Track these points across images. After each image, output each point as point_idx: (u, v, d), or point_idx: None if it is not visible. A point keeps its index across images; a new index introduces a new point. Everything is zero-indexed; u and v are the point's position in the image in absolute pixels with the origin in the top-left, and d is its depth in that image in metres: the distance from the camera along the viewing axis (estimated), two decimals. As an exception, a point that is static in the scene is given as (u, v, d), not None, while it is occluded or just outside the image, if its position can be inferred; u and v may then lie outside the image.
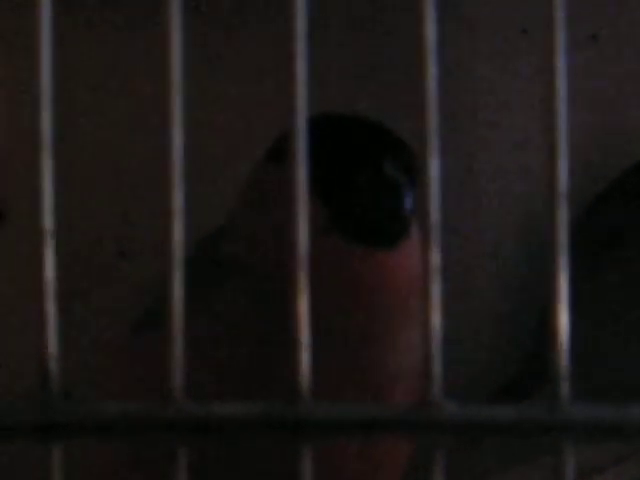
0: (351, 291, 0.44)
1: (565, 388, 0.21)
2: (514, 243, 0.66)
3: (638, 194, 0.61)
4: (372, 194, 0.45)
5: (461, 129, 0.63)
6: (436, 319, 0.21)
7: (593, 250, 0.56)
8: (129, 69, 0.68)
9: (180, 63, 0.22)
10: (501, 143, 0.65)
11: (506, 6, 0.69)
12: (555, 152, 0.21)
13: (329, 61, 0.60)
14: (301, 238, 0.22)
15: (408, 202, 0.44)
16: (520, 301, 0.63)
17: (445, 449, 0.21)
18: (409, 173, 0.43)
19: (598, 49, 0.65)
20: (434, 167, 0.20)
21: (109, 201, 0.66)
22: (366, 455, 0.46)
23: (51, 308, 0.21)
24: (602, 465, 0.56)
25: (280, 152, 0.44)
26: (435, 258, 0.21)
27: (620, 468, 0.56)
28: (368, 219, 0.45)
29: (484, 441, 0.53)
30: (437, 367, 0.21)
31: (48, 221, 0.22)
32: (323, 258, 0.41)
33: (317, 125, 0.37)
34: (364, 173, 0.44)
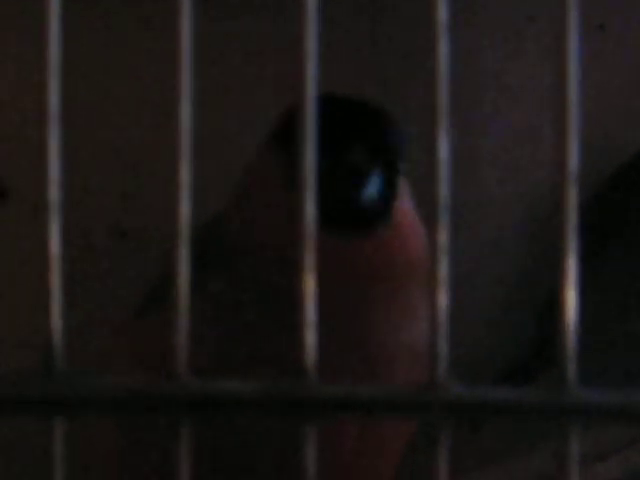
0: (324, 277, 0.43)
1: (572, 371, 0.21)
2: (518, 227, 0.66)
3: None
4: (331, 181, 0.43)
5: (464, 115, 0.63)
6: (442, 301, 0.21)
7: (597, 235, 0.56)
8: (134, 50, 0.68)
9: (189, 43, 0.21)
10: (504, 130, 0.65)
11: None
12: (566, 137, 0.21)
13: (334, 44, 0.60)
14: (308, 219, 0.21)
15: (371, 189, 0.43)
16: (524, 286, 0.64)
17: (450, 430, 0.21)
18: (384, 157, 0.43)
19: (605, 38, 0.65)
20: (443, 149, 0.20)
21: (110, 181, 0.66)
22: (366, 436, 0.46)
23: (56, 282, 0.21)
24: (604, 452, 0.56)
25: (283, 134, 0.44)
26: (442, 239, 0.21)
27: (622, 456, 0.56)
28: (328, 208, 0.44)
29: (488, 424, 0.54)
30: (443, 348, 0.21)
31: (53, 195, 0.21)
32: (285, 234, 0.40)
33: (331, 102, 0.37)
34: (327, 159, 0.41)
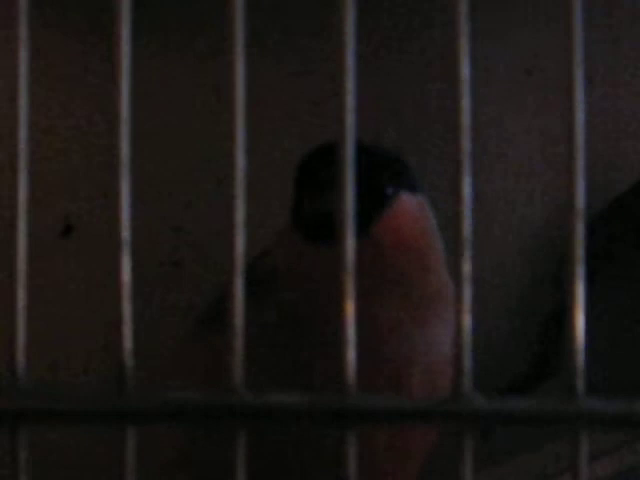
0: (311, 284, 0.47)
1: (581, 383, 0.23)
2: (518, 257, 0.72)
3: (632, 214, 0.66)
4: (307, 199, 0.48)
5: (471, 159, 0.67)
6: (467, 321, 0.23)
7: (592, 260, 0.59)
8: (189, 87, 0.72)
9: (243, 91, 0.24)
10: (506, 172, 0.71)
11: (511, 48, 0.75)
12: (574, 179, 0.24)
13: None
14: (348, 245, 0.24)
15: (326, 207, 0.45)
16: (524, 308, 0.69)
17: (474, 438, 0.24)
18: (365, 187, 0.45)
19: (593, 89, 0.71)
20: (467, 187, 0.23)
21: (164, 214, 0.71)
22: (394, 445, 0.48)
23: (127, 308, 0.24)
24: (600, 452, 0.59)
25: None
26: (466, 269, 0.23)
27: (615, 456, 0.59)
28: (307, 220, 0.48)
29: (502, 432, 0.58)
30: (467, 363, 0.23)
31: (125, 232, 0.24)
32: (291, 255, 0.49)
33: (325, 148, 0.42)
34: (306, 183, 0.48)
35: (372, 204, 0.47)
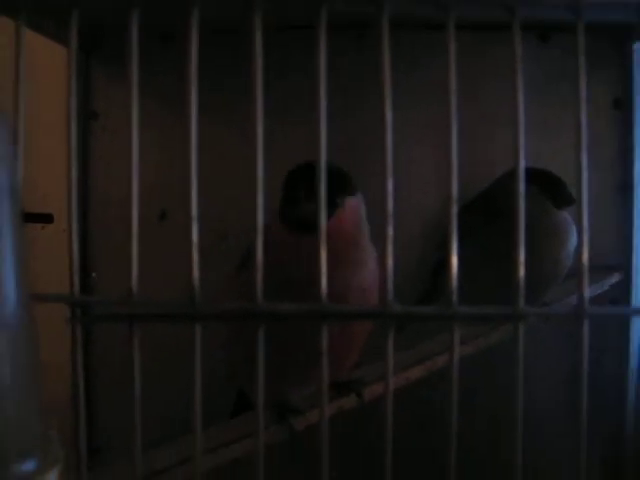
0: (295, 255, 0.68)
1: (455, 297, 0.39)
2: (420, 229, 1.15)
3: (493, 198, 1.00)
4: (290, 206, 0.70)
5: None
6: (390, 263, 0.39)
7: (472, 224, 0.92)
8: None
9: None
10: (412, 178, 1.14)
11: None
12: (451, 180, 0.39)
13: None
14: (322, 230, 0.41)
15: (305, 212, 0.68)
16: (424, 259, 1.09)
17: (394, 332, 0.40)
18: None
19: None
20: (390, 187, 0.39)
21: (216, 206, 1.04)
22: (346, 332, 0.72)
23: (196, 256, 0.40)
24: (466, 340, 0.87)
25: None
26: (390, 232, 0.39)
27: (476, 341, 0.89)
28: (289, 220, 0.71)
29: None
30: (390, 286, 0.39)
31: (194, 212, 0.41)
32: (284, 239, 0.70)
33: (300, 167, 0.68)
34: (289, 196, 0.70)
35: (329, 208, 0.69)
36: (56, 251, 1.03)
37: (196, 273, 0.40)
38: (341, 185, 0.73)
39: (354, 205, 0.74)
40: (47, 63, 0.93)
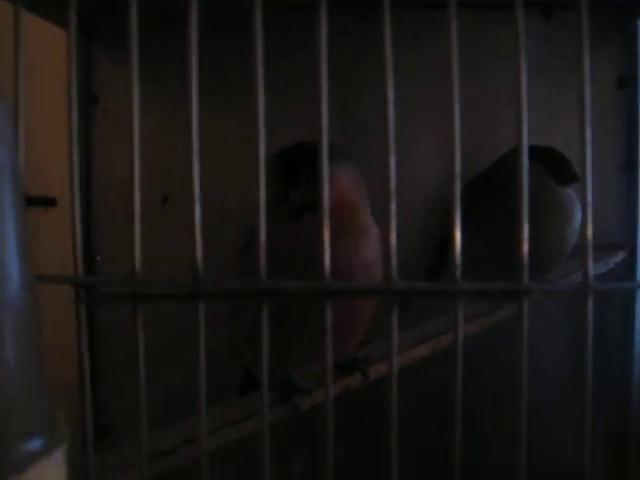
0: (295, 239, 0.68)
1: (458, 273, 0.39)
2: (424, 206, 1.15)
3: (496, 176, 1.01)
4: (281, 198, 0.70)
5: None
6: (393, 239, 0.39)
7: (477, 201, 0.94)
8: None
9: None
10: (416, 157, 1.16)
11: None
12: (455, 160, 0.39)
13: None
14: (325, 204, 0.40)
15: (294, 202, 0.69)
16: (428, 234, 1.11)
17: (398, 309, 0.40)
18: (306, 184, 0.69)
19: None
20: (392, 163, 0.39)
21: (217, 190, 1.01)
22: (350, 310, 0.71)
23: (199, 237, 0.40)
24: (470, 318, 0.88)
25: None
26: (393, 208, 0.39)
27: (480, 319, 0.89)
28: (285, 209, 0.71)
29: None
30: (394, 262, 0.39)
31: (197, 192, 0.41)
32: (283, 223, 0.69)
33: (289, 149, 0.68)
34: (279, 186, 0.70)
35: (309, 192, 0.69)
36: (60, 235, 1.04)
37: (199, 252, 0.40)
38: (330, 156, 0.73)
39: (346, 173, 0.74)
40: (49, 47, 0.93)
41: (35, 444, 0.35)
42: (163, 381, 0.97)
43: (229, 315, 0.75)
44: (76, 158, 0.43)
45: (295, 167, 0.69)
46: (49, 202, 1.06)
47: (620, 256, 1.09)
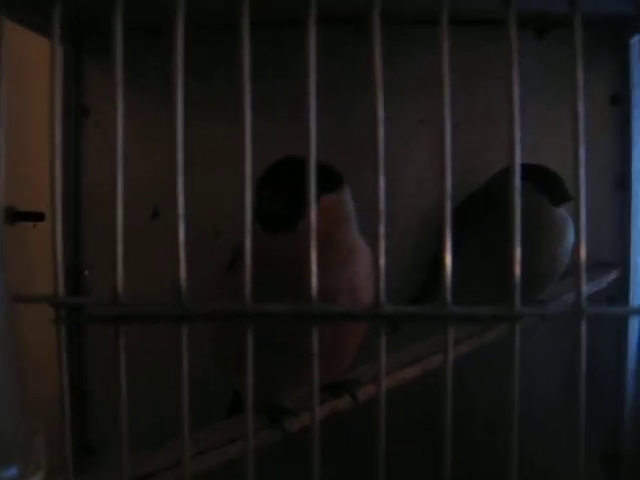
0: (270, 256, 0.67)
1: (448, 296, 0.38)
2: (417, 226, 1.15)
3: (489, 195, 1.01)
4: (257, 206, 0.68)
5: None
6: (382, 262, 0.38)
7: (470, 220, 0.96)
8: None
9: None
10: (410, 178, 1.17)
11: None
12: (445, 180, 0.38)
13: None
14: (312, 230, 0.39)
15: (271, 212, 0.69)
16: (422, 255, 1.09)
17: (388, 331, 0.39)
18: (290, 194, 0.68)
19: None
20: (381, 183, 0.38)
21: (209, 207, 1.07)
22: (338, 334, 0.71)
23: (183, 254, 0.39)
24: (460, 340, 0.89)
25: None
26: (381, 230, 0.38)
27: (470, 341, 0.90)
28: (261, 219, 0.70)
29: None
30: (382, 286, 0.38)
31: (181, 211, 0.40)
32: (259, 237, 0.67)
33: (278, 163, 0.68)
34: (262, 195, 0.69)
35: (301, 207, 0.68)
36: (48, 250, 1.03)
37: (183, 273, 0.39)
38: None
39: (331, 202, 0.72)
40: (41, 59, 0.92)
41: (10, 472, 0.34)
42: (153, 401, 0.96)
43: (214, 337, 0.74)
44: (58, 170, 0.42)
45: (279, 180, 0.69)
46: (37, 217, 1.05)
47: (613, 275, 1.09)
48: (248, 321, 0.39)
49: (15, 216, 1.03)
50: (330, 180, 0.73)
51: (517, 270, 0.39)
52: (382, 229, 0.38)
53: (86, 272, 1.16)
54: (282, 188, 0.68)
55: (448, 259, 0.38)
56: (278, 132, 1.05)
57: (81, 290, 1.15)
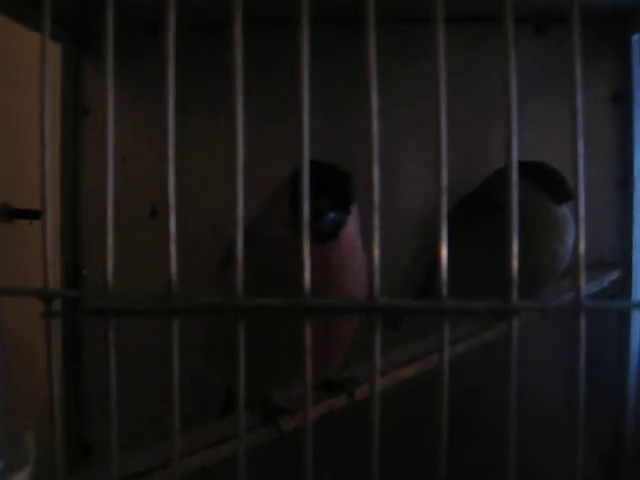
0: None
1: (445, 290, 0.37)
2: (414, 229, 1.15)
3: (488, 192, 1.01)
4: (319, 219, 0.68)
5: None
6: (376, 249, 0.37)
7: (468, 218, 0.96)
8: None
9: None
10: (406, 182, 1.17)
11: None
12: (440, 180, 0.38)
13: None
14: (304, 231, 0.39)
15: (327, 223, 0.68)
16: (420, 256, 1.11)
17: (381, 324, 0.38)
18: (340, 203, 0.69)
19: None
20: (376, 188, 0.37)
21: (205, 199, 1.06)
22: (331, 328, 0.71)
23: (173, 251, 0.38)
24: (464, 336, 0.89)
25: (292, 181, 0.71)
26: (376, 235, 0.37)
27: (468, 340, 0.90)
28: (317, 230, 0.67)
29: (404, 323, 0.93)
30: (377, 281, 0.37)
31: (173, 212, 0.39)
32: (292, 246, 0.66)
33: (320, 171, 0.61)
34: (318, 207, 0.68)
35: (345, 216, 0.71)
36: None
37: (174, 267, 0.38)
38: (353, 190, 0.72)
39: (355, 212, 0.73)
40: (38, 60, 0.92)
41: (-6, 467, 0.33)
42: (151, 399, 0.95)
43: (207, 334, 0.73)
44: (48, 164, 0.41)
45: (329, 190, 0.69)
46: (34, 215, 1.05)
47: (614, 275, 1.08)
48: (240, 315, 0.38)
49: (12, 214, 1.03)
50: (355, 190, 0.73)
51: (514, 264, 0.38)
52: (377, 221, 0.37)
53: (85, 271, 1.16)
54: (334, 199, 0.69)
55: (444, 253, 0.37)
56: (278, 132, 1.05)
57: (80, 289, 1.15)
